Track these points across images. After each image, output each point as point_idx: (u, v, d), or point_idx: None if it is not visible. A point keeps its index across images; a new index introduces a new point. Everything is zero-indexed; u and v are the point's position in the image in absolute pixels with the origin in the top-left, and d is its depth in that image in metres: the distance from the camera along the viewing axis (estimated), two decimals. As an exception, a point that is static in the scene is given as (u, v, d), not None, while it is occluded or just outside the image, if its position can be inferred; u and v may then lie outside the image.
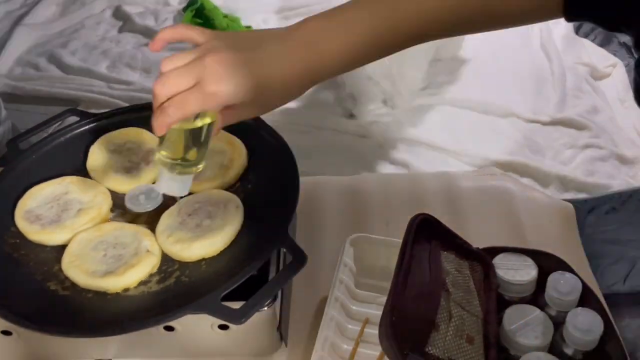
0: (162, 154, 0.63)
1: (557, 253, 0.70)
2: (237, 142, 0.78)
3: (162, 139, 0.62)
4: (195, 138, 0.63)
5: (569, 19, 0.60)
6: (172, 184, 0.64)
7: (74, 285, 0.66)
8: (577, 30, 1.74)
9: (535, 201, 0.94)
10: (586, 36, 1.72)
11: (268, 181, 0.75)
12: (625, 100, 1.51)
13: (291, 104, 0.72)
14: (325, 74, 0.66)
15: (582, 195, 1.25)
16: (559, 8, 0.59)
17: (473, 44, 1.57)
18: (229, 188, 0.75)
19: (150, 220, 0.73)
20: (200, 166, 0.64)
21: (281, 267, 0.69)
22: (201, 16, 1.78)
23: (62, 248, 0.69)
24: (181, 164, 0.63)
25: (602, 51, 1.63)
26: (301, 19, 0.67)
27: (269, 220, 0.69)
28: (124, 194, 0.76)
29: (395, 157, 1.39)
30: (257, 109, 0.65)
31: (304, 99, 1.47)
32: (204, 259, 0.67)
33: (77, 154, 0.80)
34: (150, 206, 0.72)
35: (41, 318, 0.62)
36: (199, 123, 0.61)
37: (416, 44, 0.68)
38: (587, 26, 1.80)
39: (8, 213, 0.73)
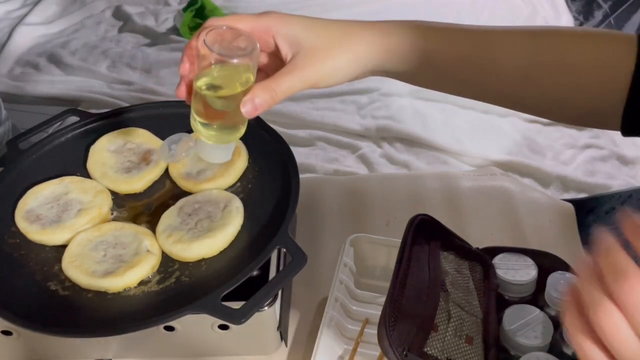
0: (200, 126, 0.62)
1: (557, 253, 0.70)
2: (237, 142, 0.78)
3: (196, 110, 0.61)
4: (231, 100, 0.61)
5: (625, 135, 0.61)
6: (216, 152, 0.65)
7: (74, 285, 0.66)
8: (577, 31, 1.74)
9: (535, 201, 0.94)
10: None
11: (268, 181, 0.75)
12: (626, 101, 1.51)
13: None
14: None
15: (582, 196, 1.25)
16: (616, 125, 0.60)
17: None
18: (229, 188, 0.75)
19: (151, 220, 0.73)
20: (243, 129, 0.63)
21: (281, 267, 0.69)
22: (201, 16, 1.78)
23: (62, 248, 0.69)
24: (223, 130, 0.63)
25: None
26: None
27: (269, 220, 0.69)
28: (124, 194, 0.76)
29: (395, 157, 1.39)
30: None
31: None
32: (204, 259, 0.67)
33: (78, 154, 0.80)
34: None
35: (41, 318, 0.62)
36: (239, 88, 0.60)
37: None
38: (588, 26, 1.80)
39: (8, 213, 0.73)
